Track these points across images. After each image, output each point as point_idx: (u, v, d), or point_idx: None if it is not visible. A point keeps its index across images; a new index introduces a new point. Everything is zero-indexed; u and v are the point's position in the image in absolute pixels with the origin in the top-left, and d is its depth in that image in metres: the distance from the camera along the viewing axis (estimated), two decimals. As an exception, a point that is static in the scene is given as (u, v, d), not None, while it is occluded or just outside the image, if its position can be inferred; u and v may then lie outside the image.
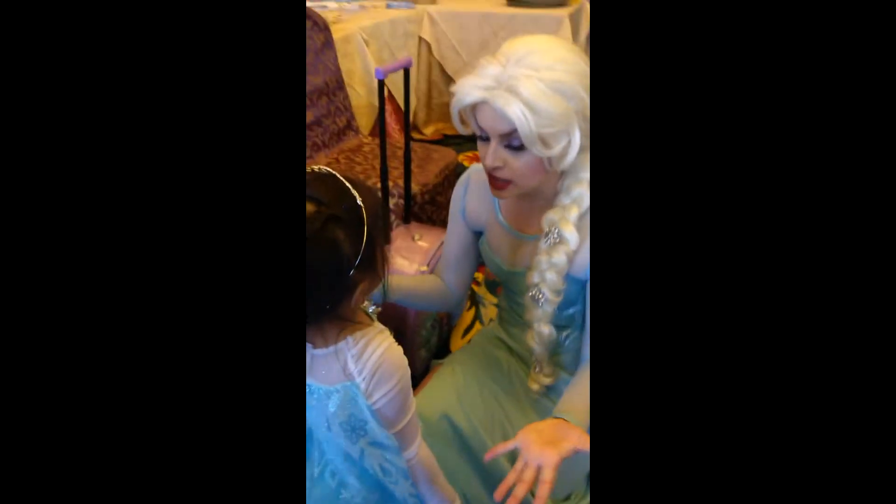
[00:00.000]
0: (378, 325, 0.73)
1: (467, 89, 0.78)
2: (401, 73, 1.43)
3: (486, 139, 0.81)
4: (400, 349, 0.73)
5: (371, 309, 0.80)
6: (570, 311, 0.93)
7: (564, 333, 0.98)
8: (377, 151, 1.94)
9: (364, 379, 0.69)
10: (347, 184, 0.64)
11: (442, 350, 1.61)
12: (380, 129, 1.39)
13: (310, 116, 1.89)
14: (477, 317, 1.77)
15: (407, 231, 1.59)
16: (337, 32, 2.13)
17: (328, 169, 0.66)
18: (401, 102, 2.32)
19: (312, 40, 1.93)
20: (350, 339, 0.69)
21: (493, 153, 0.81)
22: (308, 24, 1.91)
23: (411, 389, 0.75)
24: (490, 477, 0.94)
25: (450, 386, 1.01)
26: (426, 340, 1.51)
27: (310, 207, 0.60)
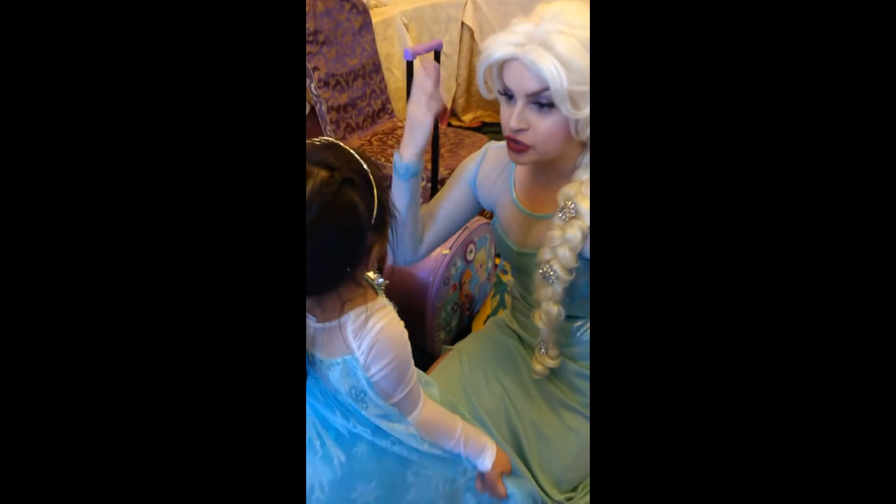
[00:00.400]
0: (381, 300, 0.74)
1: (498, 45, 0.77)
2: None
3: (512, 99, 0.79)
4: (401, 324, 0.74)
5: (379, 281, 0.81)
6: (584, 299, 0.91)
7: (577, 324, 0.96)
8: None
9: (363, 353, 0.71)
10: (352, 151, 0.66)
11: (462, 334, 1.61)
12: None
13: (344, 98, 1.92)
14: (501, 305, 1.76)
15: (432, 214, 1.59)
16: (377, 16, 2.14)
17: (329, 139, 0.67)
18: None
19: (350, 23, 1.95)
20: (352, 313, 0.70)
21: (518, 114, 0.78)
22: (347, 6, 1.93)
23: (410, 362, 0.76)
24: None
25: (455, 375, 1.01)
26: (446, 323, 1.52)
27: (323, 173, 0.61)
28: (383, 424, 0.75)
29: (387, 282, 0.82)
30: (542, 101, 0.77)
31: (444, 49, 2.70)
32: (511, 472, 0.86)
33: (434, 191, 1.63)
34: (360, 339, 0.71)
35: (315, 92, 1.84)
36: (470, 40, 2.92)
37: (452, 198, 1.00)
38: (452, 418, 0.82)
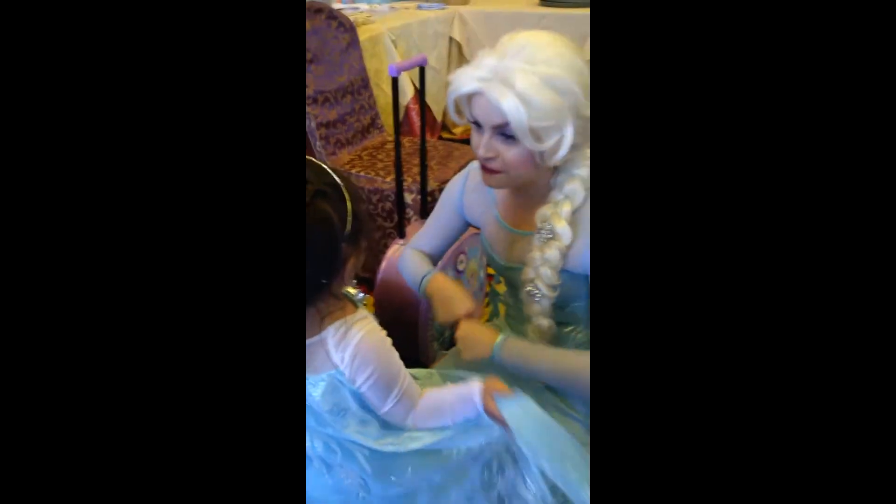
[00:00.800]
0: (360, 312, 0.75)
1: (464, 79, 0.80)
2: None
3: (481, 128, 0.82)
4: (382, 333, 0.75)
5: (360, 297, 0.82)
6: (573, 306, 0.93)
7: (568, 330, 0.97)
8: (405, 149, 1.97)
9: (346, 365, 0.72)
10: (325, 166, 0.68)
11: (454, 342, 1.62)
12: (394, 125, 1.42)
13: (333, 114, 1.94)
14: (495, 314, 1.78)
15: (421, 226, 1.61)
16: (364, 33, 2.17)
17: (308, 158, 0.69)
18: (428, 101, 2.35)
19: (338, 40, 1.98)
20: (331, 327, 0.72)
21: (486, 143, 0.82)
22: (333, 24, 1.96)
23: (398, 369, 0.76)
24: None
25: (447, 380, 1.02)
26: (439, 334, 1.53)
27: None
28: (359, 438, 0.75)
29: (367, 296, 0.83)
30: (506, 133, 0.79)
31: (433, 64, 2.74)
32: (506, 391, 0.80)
33: (424, 202, 1.65)
34: (342, 351, 0.71)
35: (305, 110, 1.86)
36: (458, 55, 2.96)
37: (442, 223, 1.07)
38: (439, 398, 0.80)
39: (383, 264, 1.53)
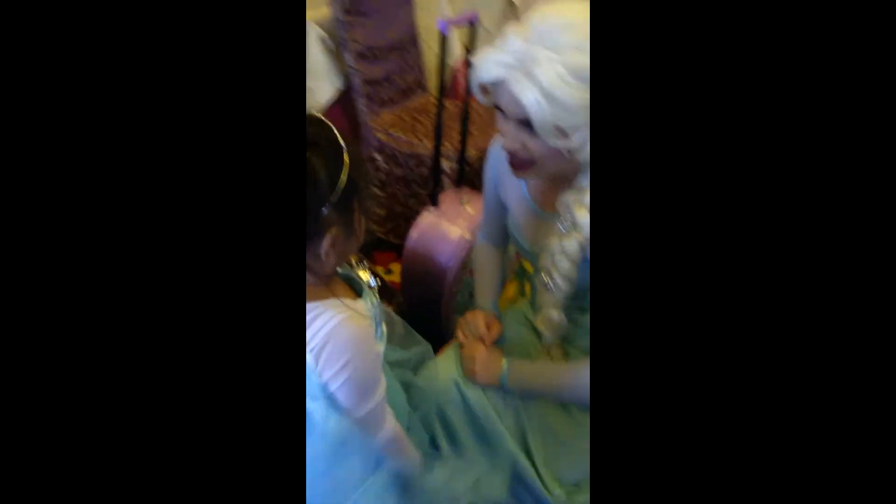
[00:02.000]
0: (338, 301, 0.66)
1: (487, 65, 0.71)
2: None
3: (506, 116, 0.75)
4: (362, 326, 0.66)
5: (372, 283, 0.76)
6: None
7: (587, 317, 0.92)
8: (447, 113, 1.90)
9: (313, 351, 0.64)
10: (335, 130, 0.63)
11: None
12: (439, 85, 1.35)
13: (379, 72, 1.88)
14: (521, 293, 1.71)
15: (456, 195, 1.55)
16: (419, -12, 2.08)
17: (319, 115, 0.64)
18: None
19: (391, -7, 1.89)
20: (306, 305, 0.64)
21: (510, 135, 0.75)
22: (389, -25, 1.88)
23: (375, 372, 0.69)
24: (492, 446, 0.92)
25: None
26: (462, 309, 1.48)
27: None
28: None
29: (378, 283, 0.77)
30: (531, 126, 0.71)
31: (486, 24, 2.62)
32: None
33: (461, 169, 1.58)
34: (311, 334, 0.63)
35: (352, 65, 1.80)
36: (513, 16, 2.82)
37: (491, 206, 1.03)
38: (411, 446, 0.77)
39: (413, 232, 1.48)
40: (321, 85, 1.84)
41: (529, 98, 0.67)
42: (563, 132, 0.70)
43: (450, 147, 1.67)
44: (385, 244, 1.89)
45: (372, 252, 1.89)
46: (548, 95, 0.67)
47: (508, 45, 0.70)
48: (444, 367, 0.96)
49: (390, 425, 0.75)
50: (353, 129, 1.95)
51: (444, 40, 1.28)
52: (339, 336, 0.63)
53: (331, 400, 0.67)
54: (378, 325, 0.75)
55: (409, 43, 1.97)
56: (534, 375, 0.91)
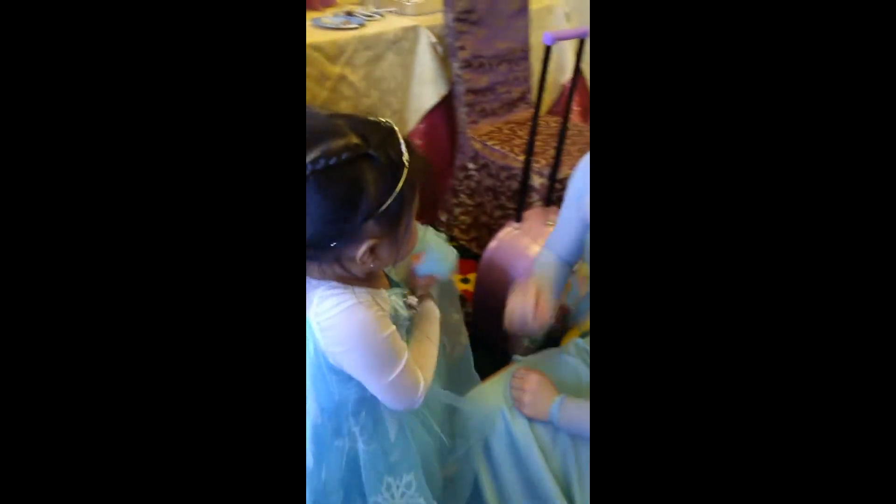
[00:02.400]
0: (362, 289, 0.66)
1: None
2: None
3: None
4: (370, 314, 0.65)
5: (413, 302, 0.75)
6: None
7: None
8: (549, 130, 1.85)
9: (319, 325, 0.65)
10: (403, 141, 0.61)
11: (550, 344, 1.50)
12: (537, 98, 1.31)
13: (485, 81, 1.87)
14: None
15: (543, 213, 1.50)
16: (537, 2, 2.05)
17: (392, 123, 0.63)
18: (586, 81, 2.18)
19: (508, 3, 1.88)
20: (325, 284, 0.65)
21: None
22: (506, -13, 1.87)
23: (384, 355, 0.67)
24: (534, 487, 0.86)
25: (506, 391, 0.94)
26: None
27: (354, 139, 0.58)
28: None
29: (414, 308, 0.76)
30: None
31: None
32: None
33: (551, 189, 1.53)
34: (321, 311, 0.64)
35: (457, 72, 1.81)
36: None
37: (568, 222, 0.99)
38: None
39: (493, 243, 1.45)
40: (426, 90, 1.86)
41: None
42: None
43: (544, 163, 1.62)
44: (467, 252, 1.87)
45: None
46: None
47: None
48: (492, 393, 0.92)
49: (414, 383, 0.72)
50: (451, 137, 1.95)
51: (548, 52, 1.25)
52: (344, 322, 0.64)
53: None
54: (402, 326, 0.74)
55: (520, 56, 1.95)
56: (588, 415, 0.85)
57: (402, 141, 0.61)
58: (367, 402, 0.73)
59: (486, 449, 0.90)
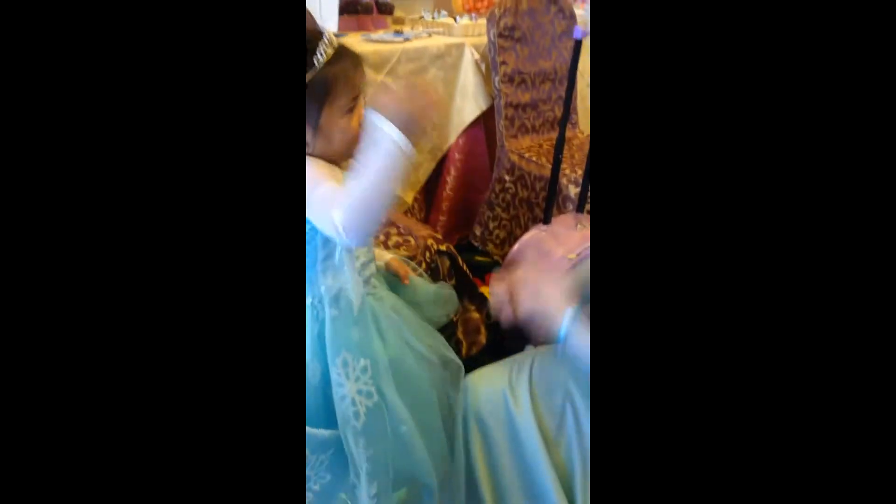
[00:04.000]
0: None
1: None
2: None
3: None
4: (319, 161, 0.72)
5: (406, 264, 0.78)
6: None
7: None
8: (587, 148, 1.82)
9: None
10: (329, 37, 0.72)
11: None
12: (565, 101, 1.29)
13: (526, 97, 1.88)
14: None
15: (573, 218, 1.45)
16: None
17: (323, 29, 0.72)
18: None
19: (553, 25, 1.91)
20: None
21: None
22: (553, 9, 1.90)
23: (313, 174, 0.70)
24: (532, 481, 0.79)
25: (525, 372, 0.87)
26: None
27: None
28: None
29: (408, 274, 0.80)
30: None
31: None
32: None
33: (583, 196, 1.48)
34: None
35: (498, 86, 1.83)
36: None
37: None
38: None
39: (517, 244, 1.41)
40: (468, 104, 1.89)
41: None
42: None
43: (580, 171, 1.58)
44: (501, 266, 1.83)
45: (484, 274, 1.84)
46: None
47: None
48: (498, 374, 0.86)
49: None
50: (491, 152, 1.96)
51: (578, 47, 1.23)
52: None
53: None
54: None
55: (564, 76, 1.96)
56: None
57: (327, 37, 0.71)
58: (331, 264, 0.74)
59: (485, 436, 0.84)
